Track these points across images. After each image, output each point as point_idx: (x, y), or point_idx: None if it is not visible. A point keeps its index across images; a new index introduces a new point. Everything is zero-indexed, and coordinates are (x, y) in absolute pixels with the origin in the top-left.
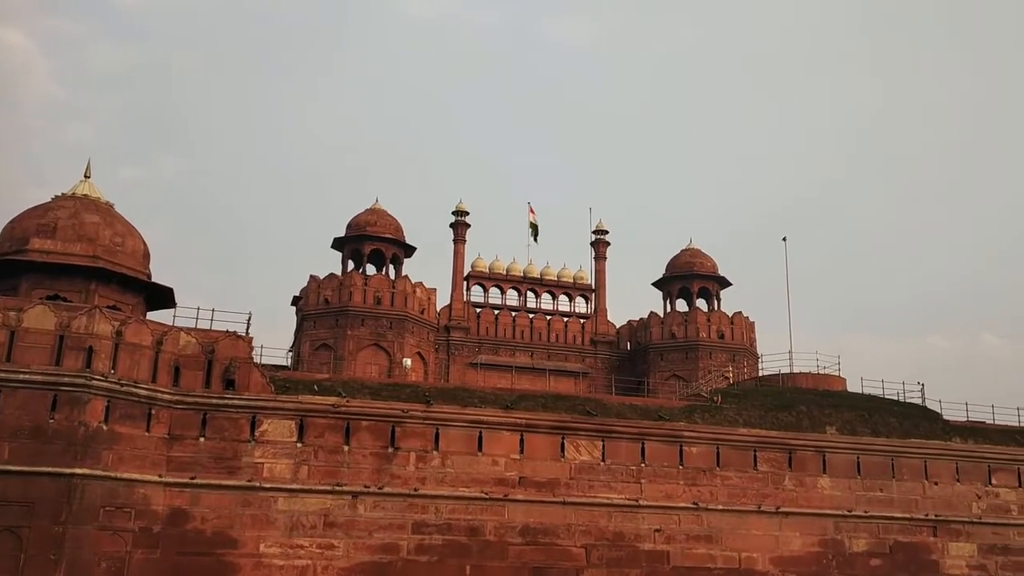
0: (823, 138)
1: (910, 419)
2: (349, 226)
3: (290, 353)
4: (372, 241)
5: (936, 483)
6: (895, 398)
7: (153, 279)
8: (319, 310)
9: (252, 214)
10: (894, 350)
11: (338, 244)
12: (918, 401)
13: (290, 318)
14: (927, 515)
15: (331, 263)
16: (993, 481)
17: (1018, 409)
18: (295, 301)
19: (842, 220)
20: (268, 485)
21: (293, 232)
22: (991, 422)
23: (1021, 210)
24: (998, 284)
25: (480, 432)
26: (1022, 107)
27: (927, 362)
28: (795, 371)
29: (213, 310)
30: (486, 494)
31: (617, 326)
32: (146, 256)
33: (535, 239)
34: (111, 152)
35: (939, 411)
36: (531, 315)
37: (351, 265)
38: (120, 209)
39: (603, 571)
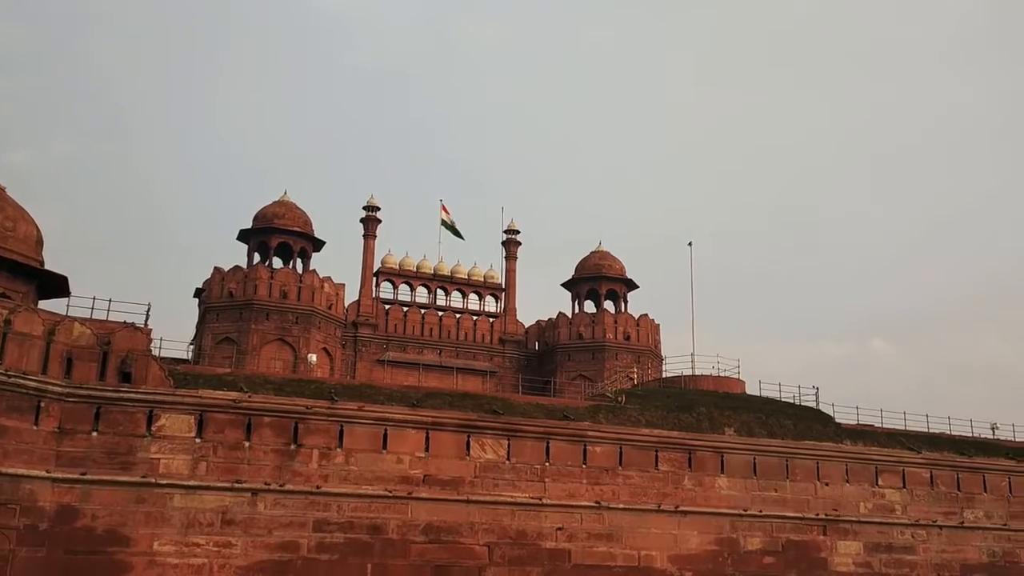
0: (728, 141)
1: (804, 421)
2: (256, 218)
3: (191, 347)
4: (279, 234)
5: (827, 484)
6: (791, 401)
7: (46, 267)
8: (223, 303)
9: (153, 203)
10: (791, 354)
11: (244, 236)
12: (812, 404)
13: (192, 311)
14: (818, 514)
15: (237, 255)
16: (880, 482)
17: (904, 413)
18: (198, 293)
19: (745, 226)
20: (164, 481)
21: (197, 223)
22: (879, 425)
23: (914, 219)
24: (887, 291)
25: (385, 430)
26: (919, 113)
27: (821, 366)
28: (697, 373)
29: (110, 300)
30: (390, 492)
31: (526, 326)
32: (39, 242)
33: (460, 237)
34: None
35: (832, 414)
36: (440, 313)
37: (257, 258)
38: (11, 193)
39: (505, 569)
